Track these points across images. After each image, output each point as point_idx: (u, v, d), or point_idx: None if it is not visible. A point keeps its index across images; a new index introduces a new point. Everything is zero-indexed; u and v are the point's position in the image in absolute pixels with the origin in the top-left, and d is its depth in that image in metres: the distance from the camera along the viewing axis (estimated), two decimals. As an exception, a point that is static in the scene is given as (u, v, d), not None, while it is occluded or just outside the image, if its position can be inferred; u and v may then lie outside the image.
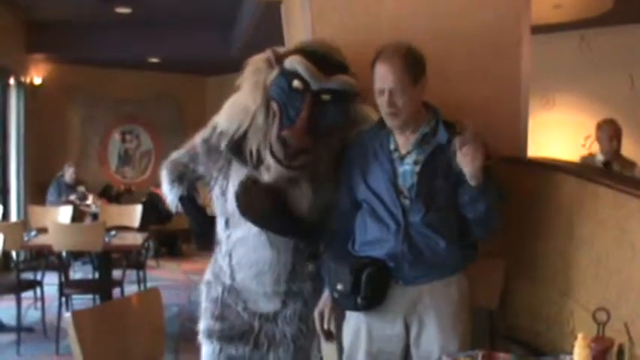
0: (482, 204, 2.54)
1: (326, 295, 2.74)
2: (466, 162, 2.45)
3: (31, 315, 6.54)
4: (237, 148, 2.85)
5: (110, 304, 2.79)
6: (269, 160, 2.76)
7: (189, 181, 3.15)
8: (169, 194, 3.19)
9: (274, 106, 2.76)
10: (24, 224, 7.10)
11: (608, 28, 7.61)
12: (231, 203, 2.87)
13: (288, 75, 2.74)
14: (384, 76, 2.56)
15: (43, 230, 6.40)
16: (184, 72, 12.11)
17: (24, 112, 9.89)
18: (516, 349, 2.99)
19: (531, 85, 3.36)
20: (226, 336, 2.97)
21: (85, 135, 11.93)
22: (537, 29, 3.65)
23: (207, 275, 3.12)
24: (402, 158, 2.65)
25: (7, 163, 9.55)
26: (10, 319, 5.99)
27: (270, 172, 2.76)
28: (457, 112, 3.25)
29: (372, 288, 2.59)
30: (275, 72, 2.78)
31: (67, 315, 2.33)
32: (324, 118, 2.74)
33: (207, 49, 10.39)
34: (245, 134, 2.83)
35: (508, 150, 3.25)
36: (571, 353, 2.14)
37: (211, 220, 3.11)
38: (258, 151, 2.79)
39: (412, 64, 2.57)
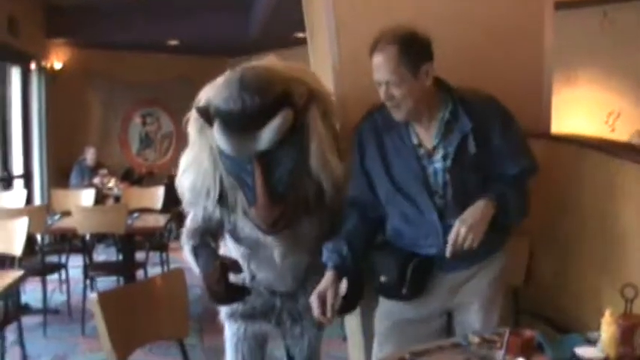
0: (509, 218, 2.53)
1: (328, 276, 2.54)
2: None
3: (57, 297, 6.61)
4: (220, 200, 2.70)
5: (134, 285, 2.81)
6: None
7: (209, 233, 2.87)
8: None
9: (232, 180, 2.61)
10: (47, 208, 7.15)
11: (632, 2, 7.49)
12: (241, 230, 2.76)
13: None
14: (379, 68, 2.43)
15: (66, 214, 6.45)
16: (203, 54, 12.10)
17: (45, 97, 9.94)
18: (541, 326, 2.98)
19: (554, 61, 3.31)
20: (249, 315, 2.97)
21: (105, 118, 11.98)
22: (560, 5, 3.59)
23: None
24: (429, 155, 2.51)
25: (30, 147, 9.62)
26: (36, 301, 6.05)
27: (264, 235, 2.67)
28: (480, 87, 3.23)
29: (416, 280, 2.56)
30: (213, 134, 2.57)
31: (92, 296, 2.35)
32: (281, 169, 2.53)
33: (226, 31, 10.36)
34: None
35: (532, 126, 3.21)
36: (598, 330, 2.13)
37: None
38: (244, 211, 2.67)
39: (409, 52, 2.39)
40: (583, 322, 2.83)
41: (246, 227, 2.70)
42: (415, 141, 2.53)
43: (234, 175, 2.57)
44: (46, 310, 5.70)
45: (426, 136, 2.52)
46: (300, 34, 5.10)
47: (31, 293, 6.38)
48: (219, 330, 3.12)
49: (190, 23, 10.10)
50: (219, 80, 2.61)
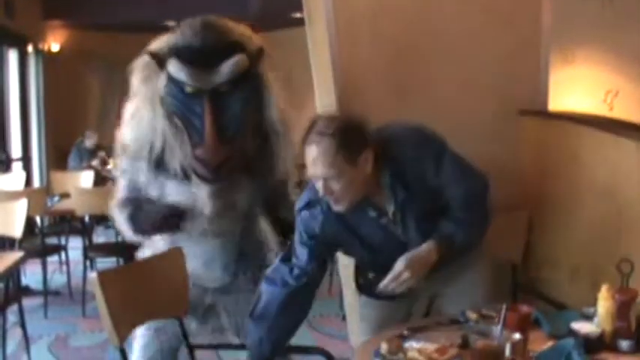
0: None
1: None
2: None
3: (57, 279, 6.62)
4: (159, 163, 2.69)
5: (134, 265, 2.80)
6: (195, 178, 2.65)
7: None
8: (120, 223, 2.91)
9: (177, 122, 2.59)
10: (47, 190, 7.15)
11: (631, -21, 7.47)
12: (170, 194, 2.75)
13: (176, 82, 2.57)
14: (314, 162, 2.20)
15: (65, 195, 6.43)
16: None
17: (43, 79, 9.92)
18: (539, 302, 3.01)
19: (552, 39, 3.32)
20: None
21: (104, 100, 11.94)
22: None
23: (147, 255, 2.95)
24: (394, 222, 2.37)
25: (28, 130, 9.61)
26: (36, 283, 6.07)
27: (200, 189, 2.66)
28: (478, 66, 3.24)
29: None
30: (163, 78, 2.60)
31: (92, 275, 2.35)
32: (231, 112, 2.57)
33: (224, 12, 10.22)
34: (162, 151, 2.66)
35: (529, 103, 3.23)
36: (594, 305, 2.14)
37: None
38: (182, 168, 2.65)
39: (345, 142, 2.18)
40: (580, 298, 2.85)
41: (175, 189, 2.70)
42: (373, 214, 2.37)
43: (180, 115, 2.58)
44: (46, 292, 5.71)
45: (382, 204, 2.36)
46: (299, 14, 5.09)
47: (32, 275, 6.40)
48: None
49: (188, 3, 10.01)
50: (177, 25, 2.74)
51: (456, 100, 3.35)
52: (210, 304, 2.93)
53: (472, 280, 2.59)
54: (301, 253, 2.43)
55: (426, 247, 2.34)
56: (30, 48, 9.64)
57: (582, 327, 2.12)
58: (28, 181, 7.56)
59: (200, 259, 2.84)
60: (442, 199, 2.38)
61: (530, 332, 2.12)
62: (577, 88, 8.01)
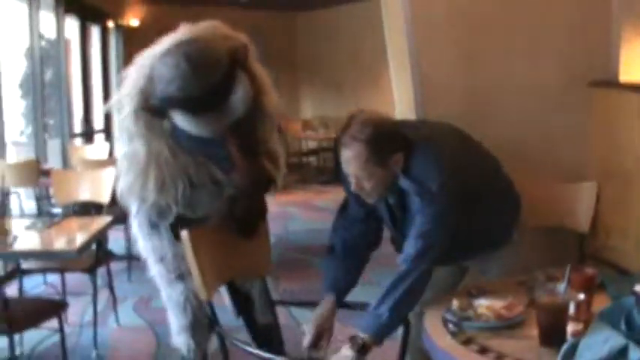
0: None
1: (327, 303, 2.59)
2: None
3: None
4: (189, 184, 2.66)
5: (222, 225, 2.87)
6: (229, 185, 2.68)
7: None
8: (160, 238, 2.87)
9: (199, 158, 2.59)
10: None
11: None
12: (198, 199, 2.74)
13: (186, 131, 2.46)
14: (347, 163, 2.37)
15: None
16: (274, 9, 12.22)
17: (123, 54, 10.22)
18: (606, 270, 3.05)
19: (624, 9, 3.33)
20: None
21: (180, 74, 12.20)
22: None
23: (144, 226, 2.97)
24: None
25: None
26: (120, 248, 6.35)
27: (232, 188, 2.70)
28: (549, 37, 3.29)
29: None
30: (167, 125, 2.52)
31: (183, 233, 2.51)
32: (244, 124, 2.53)
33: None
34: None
35: (600, 73, 3.26)
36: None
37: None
38: (213, 182, 2.68)
39: (376, 148, 2.31)
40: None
41: (203, 197, 2.70)
42: (392, 201, 2.52)
43: (201, 152, 2.57)
44: (130, 257, 5.95)
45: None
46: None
47: (114, 241, 6.68)
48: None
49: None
50: (158, 69, 2.43)
51: (527, 71, 3.41)
52: None
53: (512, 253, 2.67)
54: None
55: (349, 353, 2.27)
56: (111, 24, 9.94)
57: (646, 289, 2.19)
58: (112, 152, 7.83)
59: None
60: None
61: (596, 295, 2.19)
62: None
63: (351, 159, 2.34)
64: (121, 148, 2.69)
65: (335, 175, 2.55)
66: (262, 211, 2.90)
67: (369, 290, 2.58)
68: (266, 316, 3.02)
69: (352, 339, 2.26)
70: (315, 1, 11.87)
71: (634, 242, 3.13)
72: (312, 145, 12.25)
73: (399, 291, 2.30)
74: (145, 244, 2.97)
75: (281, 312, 3.18)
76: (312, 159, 12.53)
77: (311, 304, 2.71)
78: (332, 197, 8.54)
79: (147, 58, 2.55)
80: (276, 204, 9.11)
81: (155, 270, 2.99)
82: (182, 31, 2.63)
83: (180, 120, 2.41)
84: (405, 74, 3.53)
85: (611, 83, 3.33)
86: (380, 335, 2.29)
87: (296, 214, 8.93)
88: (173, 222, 2.75)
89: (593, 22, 3.31)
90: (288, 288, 5.26)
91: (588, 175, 3.29)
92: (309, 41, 12.87)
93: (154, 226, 2.86)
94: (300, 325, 3.62)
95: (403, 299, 2.30)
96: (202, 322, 2.98)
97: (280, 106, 2.73)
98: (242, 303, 2.99)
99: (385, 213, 2.57)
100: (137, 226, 2.95)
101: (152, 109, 2.45)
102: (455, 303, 2.22)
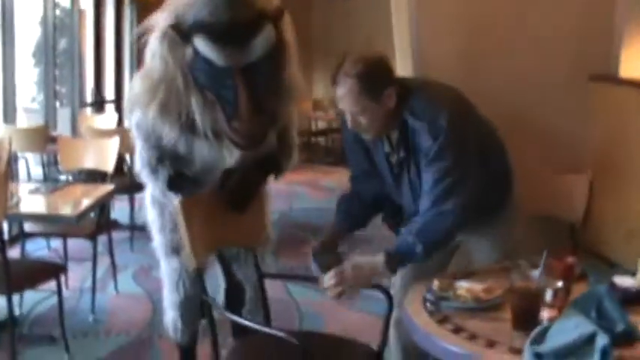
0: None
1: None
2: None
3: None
4: (190, 127, 2.71)
5: (216, 193, 2.89)
6: (229, 144, 2.69)
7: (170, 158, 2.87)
8: (157, 182, 2.94)
9: (209, 95, 2.60)
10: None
11: None
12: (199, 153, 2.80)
13: (205, 58, 2.53)
14: (341, 100, 2.45)
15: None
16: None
17: (136, 26, 10.17)
18: (597, 263, 3.08)
19: (626, 4, 3.35)
20: None
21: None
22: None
23: (156, 195, 3.10)
24: (400, 163, 2.57)
25: (121, 74, 9.98)
26: (124, 218, 6.41)
27: (232, 154, 2.72)
28: (551, 30, 3.32)
29: None
30: (189, 52, 2.55)
31: (175, 202, 2.56)
32: (261, 80, 2.58)
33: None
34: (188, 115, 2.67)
35: (600, 68, 3.28)
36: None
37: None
38: (214, 131, 2.68)
39: (368, 83, 2.39)
40: (634, 259, 2.92)
41: (204, 149, 2.75)
42: (387, 149, 2.59)
43: (211, 88, 2.59)
44: (133, 227, 6.02)
45: (395, 142, 2.56)
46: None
47: (119, 211, 6.73)
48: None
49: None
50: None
51: (528, 63, 3.44)
52: None
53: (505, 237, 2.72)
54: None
55: (375, 260, 2.42)
56: (125, -4, 9.96)
57: (624, 281, 2.24)
58: (120, 122, 7.89)
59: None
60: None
61: (577, 285, 2.23)
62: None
63: (344, 95, 2.43)
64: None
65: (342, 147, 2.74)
66: (256, 187, 2.92)
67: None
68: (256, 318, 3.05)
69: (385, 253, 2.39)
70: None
71: (623, 236, 3.17)
72: (321, 125, 12.28)
73: (434, 231, 2.41)
74: (149, 212, 3.12)
75: (278, 286, 3.24)
76: (321, 139, 12.55)
77: (308, 280, 2.75)
78: (338, 178, 8.58)
79: None
80: (282, 182, 8.96)
81: (157, 240, 3.11)
82: None
83: (202, 45, 2.50)
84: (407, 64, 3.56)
85: (611, 78, 3.35)
86: (405, 263, 2.46)
87: (302, 192, 8.96)
88: (171, 173, 2.85)
89: (596, 15, 3.33)
90: (288, 264, 5.32)
91: (583, 167, 3.32)
92: (324, 23, 12.84)
93: (157, 201, 3.04)
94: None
95: (439, 240, 2.45)
96: (194, 302, 3.08)
97: (302, 88, 2.82)
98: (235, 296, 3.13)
99: (385, 168, 2.62)
100: (146, 194, 3.10)
101: (179, 29, 2.54)
102: (435, 283, 2.27)
